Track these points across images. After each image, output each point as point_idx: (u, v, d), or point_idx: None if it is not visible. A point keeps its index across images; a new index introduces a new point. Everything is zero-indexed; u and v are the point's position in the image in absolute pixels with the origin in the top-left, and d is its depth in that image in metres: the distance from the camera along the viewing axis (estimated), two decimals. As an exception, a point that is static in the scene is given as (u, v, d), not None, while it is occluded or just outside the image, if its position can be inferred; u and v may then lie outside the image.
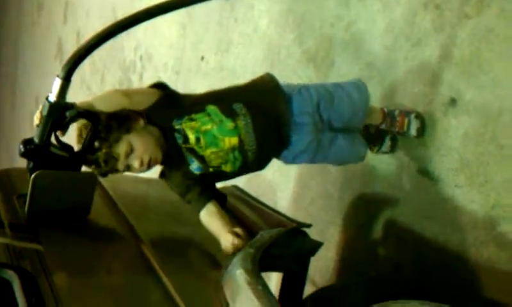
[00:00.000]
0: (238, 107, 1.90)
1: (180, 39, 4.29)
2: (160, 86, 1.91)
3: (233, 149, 1.88)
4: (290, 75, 3.05)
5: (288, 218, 2.13)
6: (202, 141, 1.85)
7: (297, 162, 2.15)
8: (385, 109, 2.35)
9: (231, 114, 1.88)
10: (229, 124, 1.87)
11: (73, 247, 1.70)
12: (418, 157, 2.33)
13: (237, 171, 1.94)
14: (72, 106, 1.70)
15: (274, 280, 2.38)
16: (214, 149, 1.86)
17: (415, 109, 2.31)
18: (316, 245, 2.05)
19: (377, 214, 2.52)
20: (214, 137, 1.86)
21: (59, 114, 1.68)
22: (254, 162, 1.95)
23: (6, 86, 10.58)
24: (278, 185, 3.09)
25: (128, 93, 1.86)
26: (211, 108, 1.88)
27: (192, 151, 1.87)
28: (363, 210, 2.62)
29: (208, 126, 1.86)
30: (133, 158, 1.79)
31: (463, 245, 2.14)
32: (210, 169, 1.89)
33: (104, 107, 1.76)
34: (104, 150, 1.76)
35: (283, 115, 1.97)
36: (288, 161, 2.11)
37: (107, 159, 1.77)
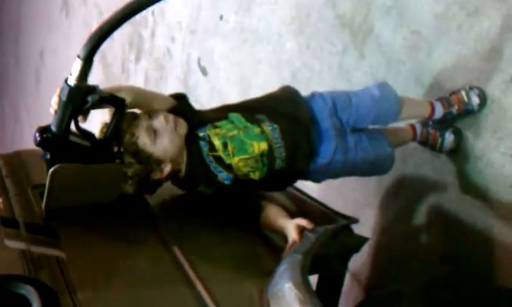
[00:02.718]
0: (261, 117, 1.78)
1: (195, -5, 4.01)
2: (179, 98, 1.77)
3: (262, 155, 1.73)
4: (321, 40, 2.80)
5: (330, 209, 1.93)
6: (230, 146, 1.71)
7: (328, 175, 1.97)
8: (432, 100, 2.14)
9: (255, 121, 1.76)
10: (255, 129, 1.74)
11: (98, 251, 1.49)
12: (470, 139, 2.11)
13: (265, 177, 1.77)
14: (94, 89, 1.49)
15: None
16: (242, 157, 1.71)
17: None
18: (361, 241, 1.87)
19: (420, 198, 2.32)
20: (241, 142, 1.72)
21: (80, 99, 1.47)
22: (282, 170, 1.78)
23: (9, 41, 10.22)
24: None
25: (145, 91, 1.78)
26: (234, 115, 1.77)
27: (218, 159, 1.71)
28: (404, 193, 2.41)
29: (235, 132, 1.72)
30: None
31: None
32: (239, 177, 1.73)
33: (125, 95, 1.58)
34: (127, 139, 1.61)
35: (308, 123, 1.85)
36: (316, 176, 1.95)
37: (134, 150, 1.61)
